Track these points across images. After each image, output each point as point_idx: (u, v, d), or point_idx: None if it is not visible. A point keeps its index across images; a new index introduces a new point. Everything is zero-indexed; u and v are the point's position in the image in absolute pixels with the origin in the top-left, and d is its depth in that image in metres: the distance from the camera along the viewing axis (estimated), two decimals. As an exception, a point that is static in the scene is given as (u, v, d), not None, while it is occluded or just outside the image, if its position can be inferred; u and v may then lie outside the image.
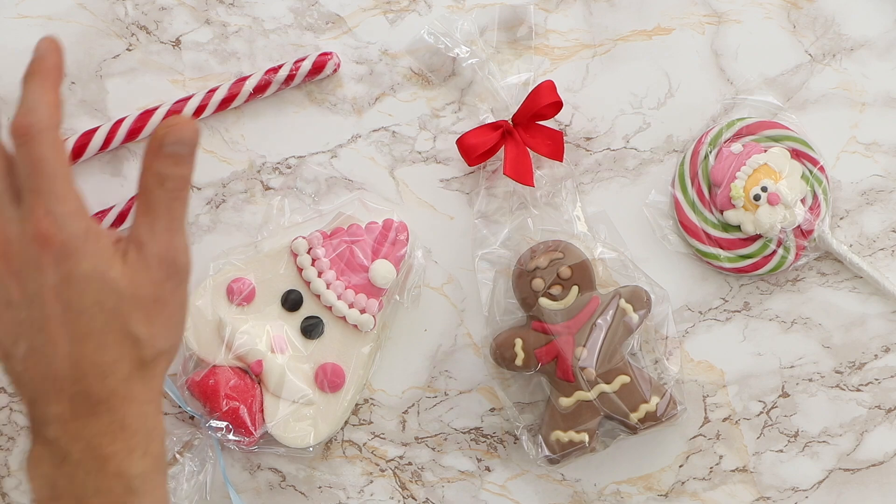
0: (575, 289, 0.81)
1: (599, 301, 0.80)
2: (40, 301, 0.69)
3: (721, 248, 0.83)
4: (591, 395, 0.80)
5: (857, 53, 0.84)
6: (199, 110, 0.82)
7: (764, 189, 0.81)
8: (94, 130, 0.83)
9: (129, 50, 0.84)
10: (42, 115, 0.70)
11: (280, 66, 0.83)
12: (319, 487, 0.84)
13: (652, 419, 0.80)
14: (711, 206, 0.83)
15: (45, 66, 0.72)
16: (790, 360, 0.84)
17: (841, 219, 0.84)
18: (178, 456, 0.82)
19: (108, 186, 0.85)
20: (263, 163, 0.84)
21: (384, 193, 0.84)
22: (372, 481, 0.84)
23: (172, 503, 0.81)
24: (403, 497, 0.84)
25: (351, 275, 0.81)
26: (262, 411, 0.81)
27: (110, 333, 0.69)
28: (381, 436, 0.84)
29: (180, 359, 0.82)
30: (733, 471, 0.84)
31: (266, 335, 0.82)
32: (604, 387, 0.80)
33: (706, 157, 0.83)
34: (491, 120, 0.83)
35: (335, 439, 0.84)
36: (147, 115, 0.83)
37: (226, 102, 0.83)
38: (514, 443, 0.84)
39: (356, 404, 0.84)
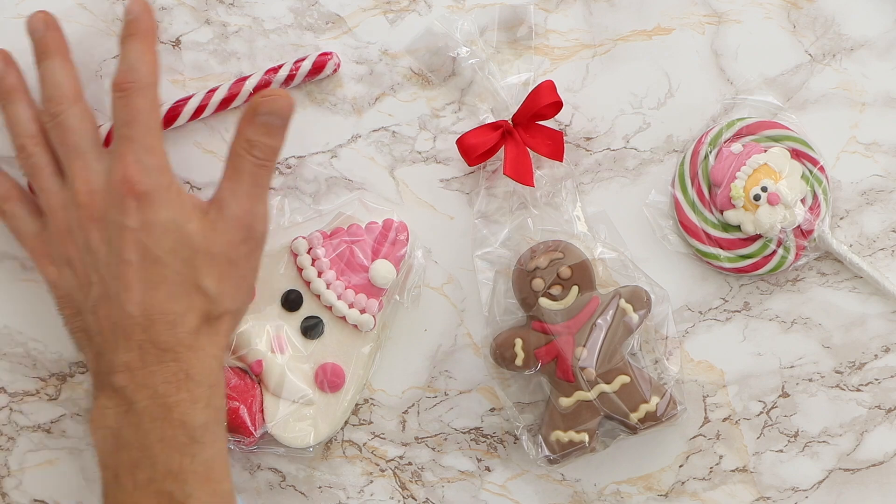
0: (575, 289, 0.81)
1: (599, 301, 0.80)
2: (119, 245, 0.71)
3: (721, 248, 0.83)
4: (591, 395, 0.80)
5: (857, 53, 0.84)
6: (199, 110, 0.82)
7: (764, 189, 0.81)
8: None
9: (129, 50, 0.84)
10: (143, 72, 0.74)
11: (280, 66, 0.83)
12: (319, 487, 0.84)
13: (652, 419, 0.80)
14: (711, 206, 0.83)
15: (142, 27, 0.76)
16: (790, 360, 0.84)
17: (841, 219, 0.84)
18: (178, 456, 0.82)
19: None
20: (263, 163, 0.84)
21: (384, 193, 0.84)
22: (372, 481, 0.84)
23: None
24: (403, 497, 0.84)
25: (351, 275, 0.81)
26: (262, 411, 0.81)
27: (182, 284, 0.71)
28: (381, 436, 0.84)
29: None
30: (733, 471, 0.84)
31: (266, 335, 0.82)
32: (604, 387, 0.80)
33: (706, 157, 0.83)
34: (491, 120, 0.83)
35: (335, 439, 0.84)
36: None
37: (226, 102, 0.83)
38: (514, 443, 0.84)
39: (356, 404, 0.84)
